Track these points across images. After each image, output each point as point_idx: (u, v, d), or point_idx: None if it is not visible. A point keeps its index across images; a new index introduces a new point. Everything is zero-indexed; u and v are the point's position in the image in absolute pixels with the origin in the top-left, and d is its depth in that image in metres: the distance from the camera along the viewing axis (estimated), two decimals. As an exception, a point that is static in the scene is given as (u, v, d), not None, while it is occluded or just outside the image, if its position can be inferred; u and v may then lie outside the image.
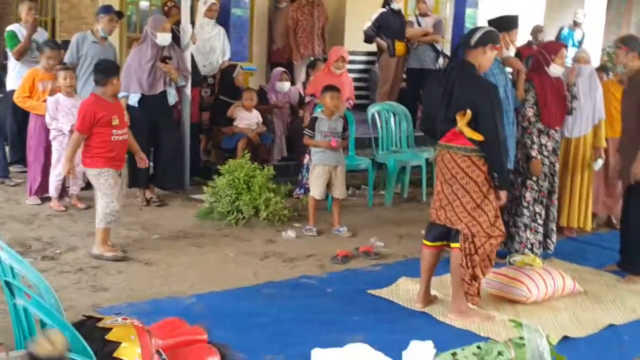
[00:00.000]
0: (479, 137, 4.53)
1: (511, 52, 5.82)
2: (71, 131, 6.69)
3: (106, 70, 5.74)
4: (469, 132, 4.55)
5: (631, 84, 5.85)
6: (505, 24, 5.80)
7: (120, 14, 7.87)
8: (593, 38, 14.26)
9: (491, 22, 5.79)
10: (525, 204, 6.00)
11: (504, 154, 4.65)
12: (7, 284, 2.89)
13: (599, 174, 6.97)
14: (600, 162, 6.69)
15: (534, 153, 5.92)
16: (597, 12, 15.23)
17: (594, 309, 5.09)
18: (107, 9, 7.61)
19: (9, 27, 7.87)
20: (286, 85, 8.67)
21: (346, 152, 7.29)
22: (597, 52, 13.73)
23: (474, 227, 4.61)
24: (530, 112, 5.92)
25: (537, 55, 6.08)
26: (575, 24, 12.38)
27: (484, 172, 4.60)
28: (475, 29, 4.85)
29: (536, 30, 11.62)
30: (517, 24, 5.85)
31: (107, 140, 5.65)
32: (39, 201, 6.93)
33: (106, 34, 7.48)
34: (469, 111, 4.52)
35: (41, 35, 7.86)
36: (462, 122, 4.55)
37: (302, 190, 7.47)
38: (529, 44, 11.38)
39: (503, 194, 4.70)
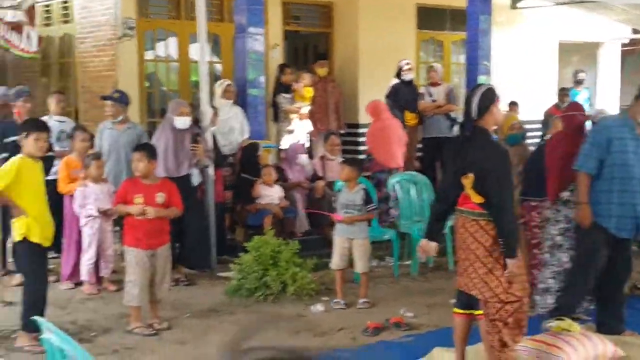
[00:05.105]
0: (481, 199, 4.57)
1: None
2: (102, 213, 6.86)
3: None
4: (475, 196, 4.60)
5: None
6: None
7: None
8: (609, 98, 14.49)
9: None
10: None
11: (509, 219, 4.61)
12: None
13: None
14: None
15: None
16: (612, 72, 15.46)
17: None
18: None
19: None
20: (305, 158, 8.81)
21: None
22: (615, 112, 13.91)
23: (487, 292, 4.59)
24: None
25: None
26: (578, 83, 12.61)
27: (493, 236, 4.56)
28: (469, 101, 4.73)
29: (563, 95, 11.88)
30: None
31: (132, 218, 5.84)
32: (72, 285, 7.04)
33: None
34: (470, 174, 4.59)
35: (67, 124, 8.08)
36: (467, 186, 4.62)
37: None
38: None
39: (511, 263, 4.54)
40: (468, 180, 4.62)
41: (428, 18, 12.19)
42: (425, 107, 10.07)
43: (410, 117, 10.09)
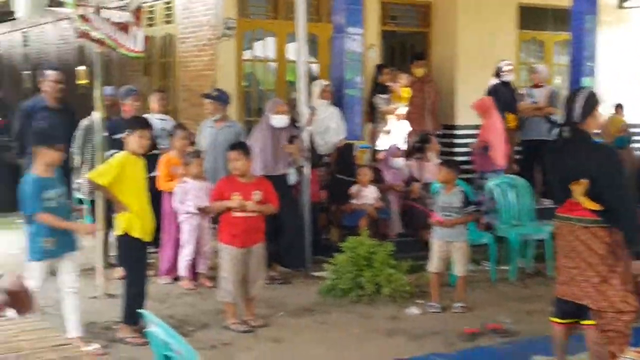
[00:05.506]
0: (596, 206, 4.42)
1: None
2: (200, 210, 6.98)
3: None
4: (588, 203, 4.45)
5: None
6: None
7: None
8: None
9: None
10: None
11: (634, 222, 4.44)
12: (168, 358, 2.99)
13: None
14: None
15: None
16: None
17: None
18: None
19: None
20: (401, 161, 8.76)
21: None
22: None
23: (602, 302, 4.44)
24: None
25: None
26: None
27: (607, 243, 4.43)
28: (571, 104, 4.63)
29: None
30: None
31: (228, 216, 5.89)
32: (170, 280, 7.19)
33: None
34: (583, 180, 4.44)
35: (168, 123, 8.26)
36: (578, 192, 4.46)
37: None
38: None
39: None
40: (580, 187, 4.46)
41: (530, 18, 11.89)
42: (524, 108, 9.85)
43: (511, 119, 9.88)
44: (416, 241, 8.09)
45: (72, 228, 5.39)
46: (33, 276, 5.26)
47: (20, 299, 2.48)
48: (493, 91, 9.96)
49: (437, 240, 6.63)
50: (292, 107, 8.07)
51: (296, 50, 8.27)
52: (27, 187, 5.27)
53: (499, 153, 8.99)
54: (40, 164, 5.31)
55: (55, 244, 5.27)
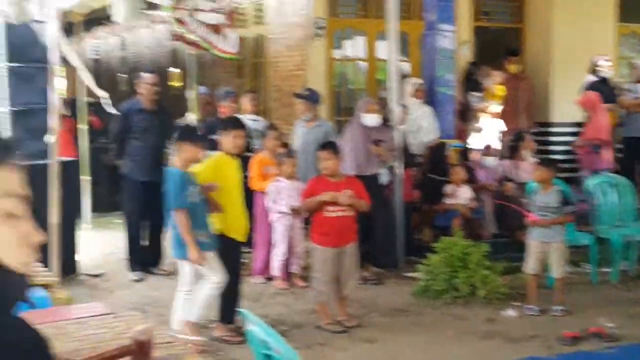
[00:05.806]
0: None
1: None
2: (293, 210, 7.00)
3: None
4: None
5: None
6: None
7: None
8: None
9: None
10: None
11: None
12: (268, 357, 2.98)
13: None
14: None
15: None
16: None
17: None
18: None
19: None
20: (493, 160, 8.58)
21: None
22: None
23: None
24: None
25: None
26: None
27: None
28: None
29: None
30: None
31: (320, 216, 5.86)
32: (263, 280, 7.24)
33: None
34: None
35: (259, 123, 8.32)
36: None
37: None
38: None
39: None
40: None
41: (630, 10, 11.46)
42: (626, 103, 9.49)
43: (612, 116, 9.54)
44: (511, 242, 7.89)
45: (190, 245, 5.23)
46: (211, 268, 5.29)
47: (142, 351, 2.49)
48: (591, 88, 9.64)
49: (534, 240, 6.45)
50: (382, 106, 8.01)
51: (387, 49, 8.20)
52: (172, 182, 5.28)
53: (610, 151, 8.73)
54: (181, 159, 5.37)
55: (209, 236, 5.34)
